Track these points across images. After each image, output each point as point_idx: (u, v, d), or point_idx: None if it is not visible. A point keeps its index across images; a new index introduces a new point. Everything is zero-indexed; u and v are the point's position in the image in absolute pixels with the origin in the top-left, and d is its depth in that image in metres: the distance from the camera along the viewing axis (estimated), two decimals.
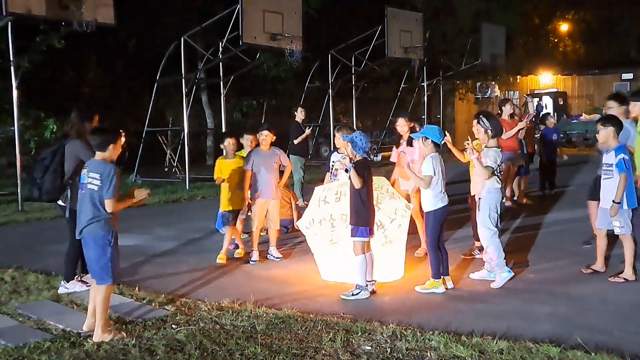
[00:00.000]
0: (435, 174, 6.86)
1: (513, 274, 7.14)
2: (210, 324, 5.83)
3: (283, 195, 10.38)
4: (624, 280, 7.10)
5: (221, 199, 8.69)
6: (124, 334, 5.56)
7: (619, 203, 7.04)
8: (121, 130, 5.85)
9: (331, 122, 22.93)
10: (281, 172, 8.92)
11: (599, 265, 7.50)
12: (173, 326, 5.79)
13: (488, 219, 7.12)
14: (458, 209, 10.79)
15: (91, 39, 15.97)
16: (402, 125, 8.64)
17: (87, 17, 12.82)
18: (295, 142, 13.43)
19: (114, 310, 6.23)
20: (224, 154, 8.90)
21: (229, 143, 8.74)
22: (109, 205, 5.49)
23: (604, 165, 7.25)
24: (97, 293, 5.61)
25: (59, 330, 5.74)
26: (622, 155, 7.02)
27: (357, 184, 6.64)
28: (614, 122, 7.26)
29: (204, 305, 6.41)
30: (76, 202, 6.69)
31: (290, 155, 13.52)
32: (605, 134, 7.21)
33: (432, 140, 6.98)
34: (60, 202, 7.05)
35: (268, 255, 8.68)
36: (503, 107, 12.18)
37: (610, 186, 7.13)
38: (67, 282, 7.02)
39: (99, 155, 5.64)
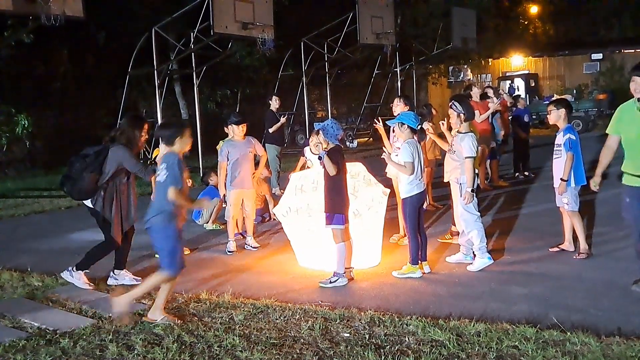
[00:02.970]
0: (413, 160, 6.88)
1: (493, 261, 7.19)
2: (188, 317, 5.80)
3: (257, 187, 10.36)
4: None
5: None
6: (176, 319, 5.66)
7: (566, 181, 7.27)
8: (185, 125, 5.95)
9: (306, 109, 22.89)
10: (257, 163, 8.89)
11: (566, 244, 7.61)
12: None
13: (471, 203, 7.16)
14: (435, 194, 10.87)
15: (61, 32, 15.75)
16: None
17: (55, 10, 12.58)
18: (271, 130, 13.40)
19: (90, 306, 6.19)
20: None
21: None
22: (170, 194, 5.55)
23: (555, 145, 7.48)
24: (156, 275, 5.79)
25: (35, 328, 5.67)
26: (568, 136, 7.26)
27: (332, 171, 6.63)
28: (565, 104, 7.60)
29: (181, 297, 6.39)
30: (106, 207, 6.88)
31: (265, 144, 13.50)
32: (556, 115, 7.49)
33: (408, 126, 6.99)
34: (87, 203, 6.95)
35: (245, 246, 8.66)
36: (470, 92, 12.27)
37: (560, 165, 7.35)
38: (76, 270, 7.01)
39: (166, 148, 5.79)
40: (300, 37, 22.03)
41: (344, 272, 6.78)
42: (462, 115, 7.23)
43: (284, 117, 14.00)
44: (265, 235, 9.52)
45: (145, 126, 7.13)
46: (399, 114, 7.46)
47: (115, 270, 7.19)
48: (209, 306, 6.05)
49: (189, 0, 17.12)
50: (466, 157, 7.08)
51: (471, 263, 7.20)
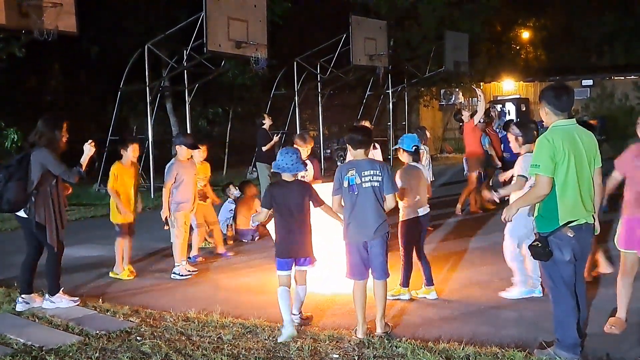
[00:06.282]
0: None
1: (542, 294, 6.76)
2: (176, 335, 5.75)
3: (250, 204, 10.35)
4: None
5: (113, 209, 8.37)
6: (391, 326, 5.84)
7: None
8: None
9: (297, 129, 22.90)
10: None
11: None
12: (137, 338, 5.70)
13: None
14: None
15: (53, 46, 15.69)
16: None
17: (49, 25, 12.53)
18: (264, 149, 13.40)
19: (77, 322, 6.13)
20: (123, 159, 8.40)
21: (133, 149, 8.36)
22: (392, 200, 5.72)
23: None
24: (381, 289, 5.78)
25: (20, 344, 5.61)
26: None
27: (261, 219, 6.26)
28: None
29: (169, 316, 6.33)
30: (40, 214, 6.58)
31: (257, 163, 13.55)
32: None
33: (403, 150, 6.97)
34: (20, 214, 6.75)
35: (172, 275, 8.27)
36: (461, 116, 12.40)
37: None
38: (52, 295, 6.80)
39: (362, 153, 5.78)
40: (294, 56, 22.11)
41: (290, 320, 5.78)
42: (520, 138, 7.09)
43: (276, 136, 14.03)
44: (256, 254, 9.47)
45: (64, 125, 6.88)
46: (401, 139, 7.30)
47: (23, 295, 6.87)
48: (198, 325, 6.00)
49: (183, 18, 17.16)
50: (517, 175, 6.72)
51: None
